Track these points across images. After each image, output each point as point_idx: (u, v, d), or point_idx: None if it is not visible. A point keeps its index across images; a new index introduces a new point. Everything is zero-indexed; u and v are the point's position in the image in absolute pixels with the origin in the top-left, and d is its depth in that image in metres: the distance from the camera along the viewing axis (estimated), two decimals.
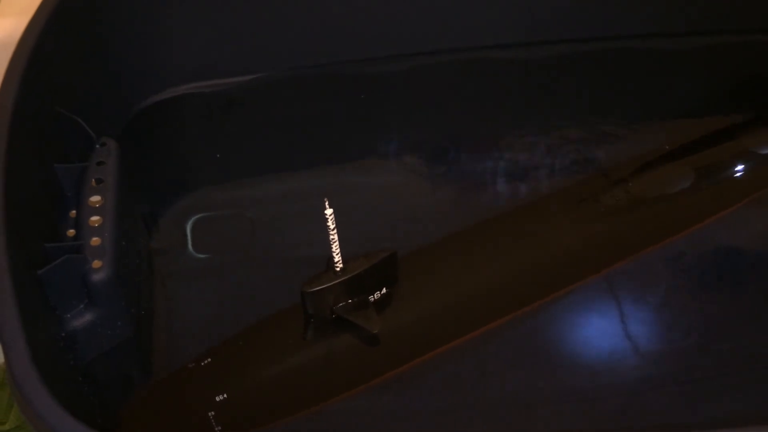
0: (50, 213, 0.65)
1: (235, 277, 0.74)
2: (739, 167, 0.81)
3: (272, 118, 0.88)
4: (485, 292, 0.72)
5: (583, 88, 0.92)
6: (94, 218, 0.64)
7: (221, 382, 0.65)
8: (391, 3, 0.88)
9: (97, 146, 0.70)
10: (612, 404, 0.65)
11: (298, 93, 0.89)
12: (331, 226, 0.63)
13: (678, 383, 0.66)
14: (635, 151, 0.83)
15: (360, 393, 0.65)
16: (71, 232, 0.64)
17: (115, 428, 0.62)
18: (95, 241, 0.63)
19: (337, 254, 0.65)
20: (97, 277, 0.61)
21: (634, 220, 0.77)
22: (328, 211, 0.62)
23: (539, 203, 0.80)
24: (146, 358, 0.69)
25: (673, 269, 0.74)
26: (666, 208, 0.78)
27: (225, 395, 0.63)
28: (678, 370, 0.67)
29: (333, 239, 0.64)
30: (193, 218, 0.78)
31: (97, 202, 0.65)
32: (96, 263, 0.61)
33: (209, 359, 0.66)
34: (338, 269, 0.66)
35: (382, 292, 0.69)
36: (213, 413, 0.62)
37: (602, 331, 0.69)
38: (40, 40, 0.66)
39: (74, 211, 0.66)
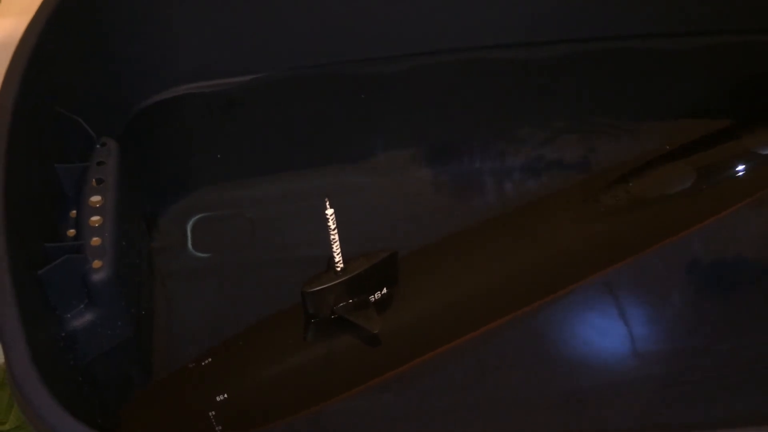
0: (50, 213, 0.65)
1: (235, 277, 0.74)
2: (740, 167, 0.81)
3: (272, 118, 0.88)
4: (485, 292, 0.72)
5: (583, 88, 0.92)
6: (95, 218, 0.64)
7: (221, 381, 0.65)
8: (391, 3, 0.88)
9: (98, 146, 0.70)
10: (612, 404, 0.65)
11: (298, 93, 0.89)
12: (332, 226, 0.63)
13: (678, 383, 0.66)
14: (635, 151, 0.83)
15: (360, 393, 0.65)
16: (71, 232, 0.64)
17: (115, 428, 0.62)
18: (95, 241, 0.63)
19: (337, 254, 0.65)
20: (97, 277, 0.61)
21: (634, 220, 0.77)
22: (329, 211, 0.62)
23: (539, 203, 0.80)
24: (146, 358, 0.69)
25: (673, 269, 0.74)
26: (666, 208, 0.78)
27: (225, 395, 0.63)
28: (678, 370, 0.67)
29: (333, 239, 0.64)
30: (193, 218, 0.78)
31: (97, 202, 0.65)
32: (96, 263, 0.61)
33: (209, 359, 0.66)
34: (339, 269, 0.66)
35: (383, 292, 0.69)
36: (213, 413, 0.62)
37: (602, 331, 0.69)
38: (41, 40, 0.66)
39: (74, 211, 0.66)
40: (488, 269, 0.74)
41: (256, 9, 0.85)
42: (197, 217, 0.78)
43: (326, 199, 0.62)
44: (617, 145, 0.86)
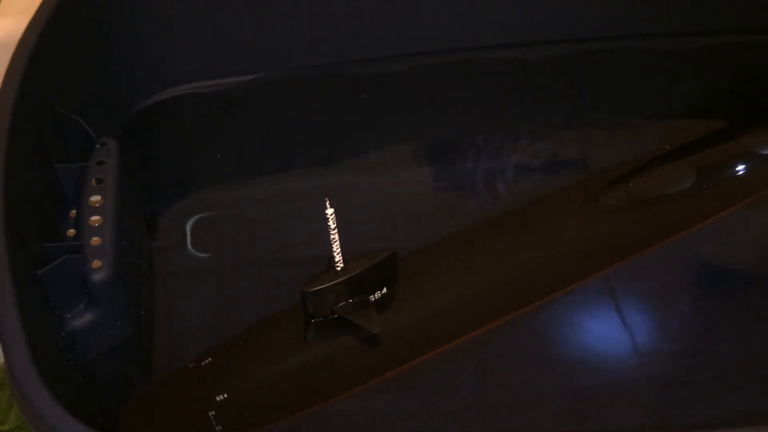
0: (50, 213, 0.65)
1: (235, 277, 0.74)
2: (740, 167, 0.81)
3: (272, 118, 0.88)
4: (485, 292, 0.72)
5: (583, 88, 0.92)
6: (95, 218, 0.64)
7: (221, 381, 0.65)
8: (391, 3, 0.88)
9: (98, 146, 0.70)
10: (612, 404, 0.65)
11: (298, 93, 0.89)
12: (332, 226, 0.63)
13: (678, 383, 0.66)
14: (635, 151, 0.83)
15: (360, 393, 0.65)
16: (71, 231, 0.64)
17: (115, 428, 0.62)
18: (95, 240, 0.63)
19: (337, 254, 0.65)
20: (97, 277, 0.61)
21: (634, 220, 0.77)
22: (329, 211, 0.62)
23: (539, 203, 0.80)
24: (146, 358, 0.69)
25: (673, 269, 0.74)
26: (666, 208, 0.78)
27: (225, 395, 0.63)
28: (678, 370, 0.67)
29: (334, 239, 0.64)
30: (193, 218, 0.78)
31: (97, 201, 0.65)
32: (96, 263, 0.61)
33: (209, 359, 0.66)
34: (339, 269, 0.66)
35: (383, 292, 0.69)
36: (213, 413, 0.62)
37: (602, 331, 0.69)
38: (41, 40, 0.66)
39: (74, 211, 0.66)
40: (488, 269, 0.74)
41: (256, 9, 0.85)
42: (197, 217, 0.78)
43: (327, 199, 0.62)
44: (617, 145, 0.86)
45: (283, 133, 0.87)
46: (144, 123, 0.85)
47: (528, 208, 0.79)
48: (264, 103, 0.89)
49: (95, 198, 0.65)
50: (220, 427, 0.62)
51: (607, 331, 0.69)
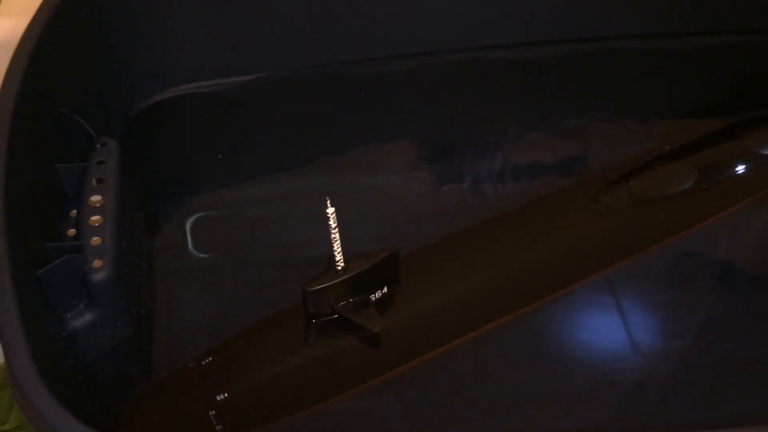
0: (51, 213, 0.65)
1: (235, 277, 0.74)
2: (740, 167, 0.81)
3: (272, 118, 0.88)
4: (485, 292, 0.72)
5: (583, 88, 0.92)
6: (95, 218, 0.64)
7: (222, 381, 0.65)
8: (391, 3, 0.88)
9: (98, 146, 0.70)
10: (612, 404, 0.65)
11: (298, 93, 0.89)
12: (333, 225, 0.63)
13: (678, 383, 0.66)
14: (635, 151, 0.83)
15: (360, 393, 0.65)
16: (72, 231, 0.64)
17: (115, 428, 0.62)
18: (96, 240, 0.63)
19: (338, 253, 0.65)
20: (97, 277, 0.61)
21: (634, 220, 0.77)
22: (330, 210, 0.62)
23: (539, 203, 0.80)
24: (146, 358, 0.69)
25: (673, 269, 0.74)
26: (666, 208, 0.78)
27: (225, 395, 0.63)
28: (678, 370, 0.67)
29: (334, 238, 0.64)
30: (193, 218, 0.78)
31: (97, 201, 0.65)
32: (96, 263, 0.61)
33: (209, 359, 0.66)
34: (339, 268, 0.66)
35: (383, 292, 0.69)
36: (213, 413, 0.62)
37: (602, 331, 0.69)
38: (41, 40, 0.66)
39: (75, 211, 0.66)
40: (488, 269, 0.74)
41: (256, 9, 0.85)
42: (197, 217, 0.78)
43: (327, 198, 0.62)
44: (617, 145, 0.86)
45: (283, 133, 0.87)
46: (144, 123, 0.85)
47: (528, 208, 0.79)
48: (264, 103, 0.89)
49: (96, 198, 0.65)
50: (220, 427, 0.62)
51: (607, 331, 0.69)
